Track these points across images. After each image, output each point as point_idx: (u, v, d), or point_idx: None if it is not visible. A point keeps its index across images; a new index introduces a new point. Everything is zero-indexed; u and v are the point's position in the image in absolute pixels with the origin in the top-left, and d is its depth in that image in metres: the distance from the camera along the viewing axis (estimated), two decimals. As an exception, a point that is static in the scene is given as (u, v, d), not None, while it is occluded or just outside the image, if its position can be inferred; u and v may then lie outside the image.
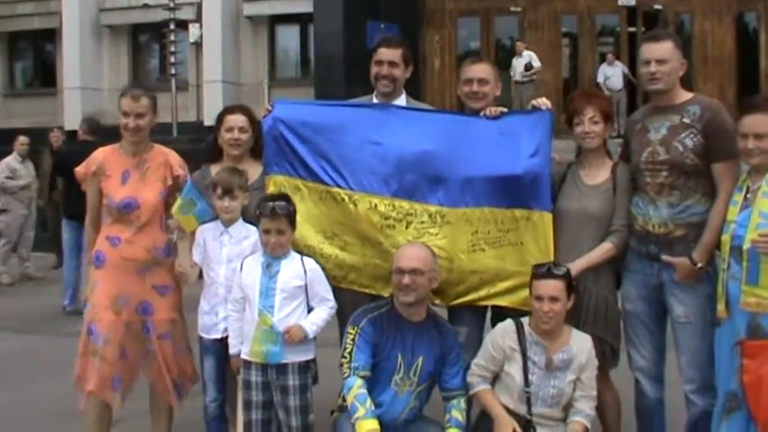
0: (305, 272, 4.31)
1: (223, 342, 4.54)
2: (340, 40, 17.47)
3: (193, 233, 4.67)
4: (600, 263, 4.41)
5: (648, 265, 4.38)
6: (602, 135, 4.50)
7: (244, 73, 20.73)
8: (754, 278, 3.82)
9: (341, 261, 4.64)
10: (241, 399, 4.39)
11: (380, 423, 4.07)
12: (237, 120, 4.79)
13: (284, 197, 4.39)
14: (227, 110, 4.93)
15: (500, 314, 4.56)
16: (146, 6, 20.33)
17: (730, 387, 3.96)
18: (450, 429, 4.26)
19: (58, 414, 4.71)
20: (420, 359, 4.27)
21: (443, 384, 4.36)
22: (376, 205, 4.58)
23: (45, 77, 22.58)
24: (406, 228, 4.55)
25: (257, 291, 4.27)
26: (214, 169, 4.78)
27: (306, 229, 4.57)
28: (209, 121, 17.68)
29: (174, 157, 4.84)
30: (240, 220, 4.57)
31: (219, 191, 4.49)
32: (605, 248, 4.41)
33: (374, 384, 4.20)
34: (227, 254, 4.54)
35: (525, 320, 4.28)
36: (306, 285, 4.30)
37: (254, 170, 4.80)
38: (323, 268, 4.43)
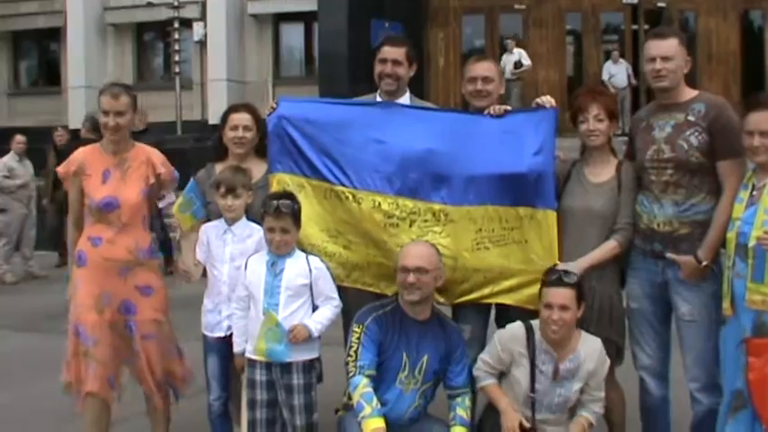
0: (310, 270, 4.30)
1: (227, 340, 4.54)
2: (344, 38, 17.48)
3: (197, 231, 4.66)
4: (604, 261, 4.40)
5: (653, 264, 4.36)
6: (606, 133, 4.48)
7: (248, 71, 20.76)
8: (760, 276, 3.81)
9: (345, 260, 4.64)
10: (245, 397, 4.38)
11: (386, 421, 4.06)
12: (242, 118, 4.78)
13: (289, 195, 4.38)
14: (232, 108, 4.93)
15: (504, 312, 4.57)
16: (150, 5, 20.37)
17: (736, 385, 3.95)
18: (454, 427, 4.25)
19: (60, 413, 4.71)
20: (425, 358, 4.27)
21: (448, 382, 4.36)
22: (380, 204, 4.57)
23: (49, 76, 22.66)
24: (410, 226, 4.54)
25: (262, 289, 4.26)
26: (219, 168, 4.78)
27: (310, 228, 4.56)
28: (213, 119, 17.71)
29: (156, 156, 4.80)
30: (244, 219, 4.56)
31: (222, 189, 4.49)
32: (610, 247, 4.40)
33: (379, 383, 4.19)
34: (231, 252, 4.53)
35: (536, 325, 4.23)
36: (311, 284, 4.30)
37: (258, 168, 4.80)
38: (326, 267, 4.42)
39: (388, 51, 4.89)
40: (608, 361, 4.25)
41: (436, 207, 4.55)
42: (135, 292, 4.62)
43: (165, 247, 11.84)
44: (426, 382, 4.30)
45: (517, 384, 4.24)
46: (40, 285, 11.34)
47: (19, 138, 11.78)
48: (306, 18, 20.22)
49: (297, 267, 4.29)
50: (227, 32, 19.95)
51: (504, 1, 20.10)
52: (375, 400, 4.07)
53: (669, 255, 4.26)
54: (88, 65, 20.56)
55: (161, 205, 11.74)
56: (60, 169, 4.73)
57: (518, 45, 18.52)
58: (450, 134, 4.61)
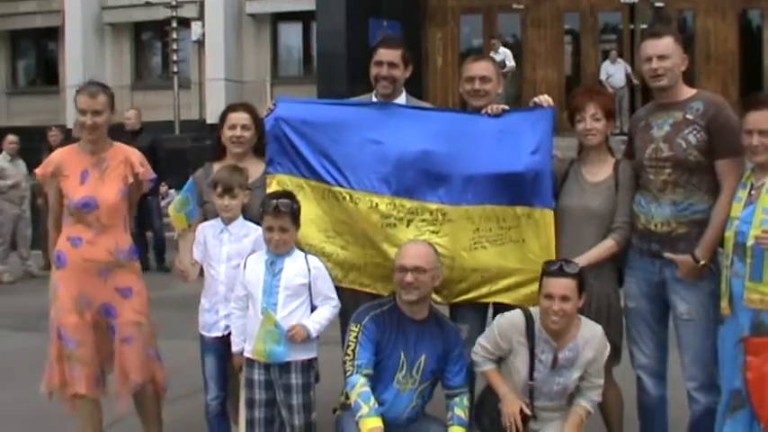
0: (309, 270, 4.29)
1: (224, 340, 4.54)
2: (342, 37, 17.46)
3: (194, 231, 4.66)
4: (602, 260, 4.40)
5: (650, 263, 4.37)
6: (603, 132, 4.49)
7: (246, 71, 20.76)
8: (758, 275, 3.81)
9: (342, 260, 4.65)
10: (244, 397, 4.38)
11: (383, 421, 4.06)
12: (240, 117, 4.78)
13: (288, 195, 4.37)
14: (230, 108, 4.92)
15: (502, 311, 4.56)
16: (148, 4, 20.36)
17: (734, 385, 3.95)
18: (452, 427, 4.25)
19: (60, 412, 4.70)
20: (422, 357, 4.26)
21: (446, 382, 4.35)
22: (377, 204, 4.58)
23: (47, 76, 22.65)
24: (408, 226, 4.55)
25: (261, 288, 4.26)
26: (216, 167, 4.77)
27: (307, 228, 4.56)
28: (211, 119, 17.71)
29: (135, 155, 4.73)
30: (240, 218, 4.56)
31: (219, 189, 4.48)
32: (607, 245, 4.40)
33: (377, 383, 4.19)
34: (228, 252, 4.53)
35: (536, 313, 4.22)
36: (309, 283, 4.29)
37: (256, 168, 4.80)
38: (325, 267, 4.42)
39: (384, 54, 4.88)
40: (608, 348, 4.23)
41: (433, 207, 4.56)
42: (115, 294, 4.59)
43: (160, 247, 11.93)
44: (424, 381, 4.30)
45: (516, 373, 4.24)
46: (39, 285, 11.28)
47: (11, 138, 11.78)
48: (304, 18, 20.21)
49: (296, 267, 4.28)
50: (225, 32, 19.94)
51: (503, 0, 20.09)
52: (372, 399, 4.07)
53: (667, 254, 4.26)
54: (86, 64, 20.52)
55: (163, 204, 11.78)
56: (38, 171, 4.70)
57: (505, 45, 18.41)
58: (448, 134, 4.62)
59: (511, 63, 17.89)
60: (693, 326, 4.26)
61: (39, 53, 23.39)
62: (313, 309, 4.32)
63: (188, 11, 19.94)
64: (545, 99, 4.65)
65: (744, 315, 3.90)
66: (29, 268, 11.83)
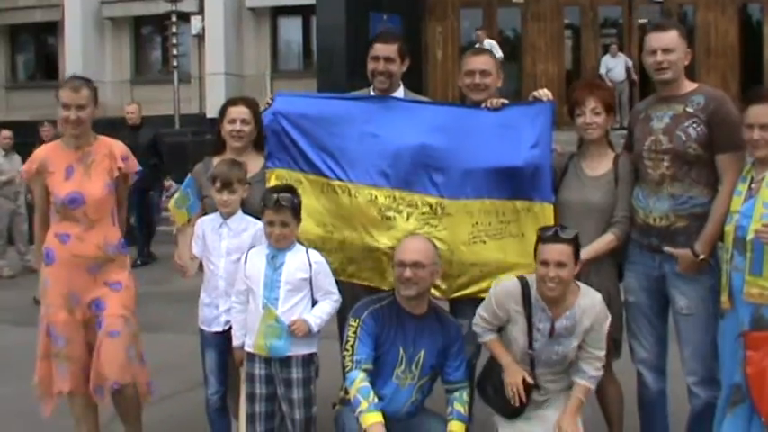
0: (310, 264, 4.29)
1: (224, 334, 4.54)
2: (342, 31, 17.43)
3: (193, 226, 4.66)
4: (601, 254, 4.40)
5: (650, 257, 4.37)
6: (603, 126, 4.49)
7: (246, 65, 20.74)
8: (758, 269, 3.80)
9: (341, 254, 4.65)
10: (244, 391, 4.38)
11: (384, 416, 4.05)
12: (240, 112, 4.77)
13: (289, 189, 4.36)
14: (230, 102, 4.91)
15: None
16: (147, -2, 20.33)
17: (734, 379, 3.95)
18: (452, 422, 4.23)
19: (60, 407, 4.70)
20: (422, 352, 4.26)
21: (446, 377, 4.35)
22: (376, 197, 4.57)
23: (47, 70, 22.62)
24: (407, 219, 4.54)
25: (262, 283, 4.26)
26: (216, 161, 4.76)
27: (306, 223, 4.55)
28: (211, 113, 17.70)
29: (119, 148, 4.68)
30: (239, 213, 4.55)
31: (218, 184, 4.47)
32: (607, 240, 4.40)
33: (376, 377, 4.19)
34: (227, 246, 4.52)
35: (532, 280, 4.17)
36: (311, 278, 4.28)
37: (255, 162, 4.80)
38: (326, 261, 4.41)
39: (380, 49, 4.86)
40: (608, 317, 4.17)
41: (433, 200, 4.55)
42: (105, 288, 4.55)
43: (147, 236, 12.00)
44: (423, 376, 4.29)
45: (515, 342, 4.21)
46: (38, 279, 11.33)
47: (5, 133, 11.78)
48: (304, 11, 20.19)
49: (297, 261, 4.28)
50: (224, 26, 19.92)
51: (503, -6, 20.10)
52: (372, 394, 4.06)
53: (666, 248, 4.26)
54: (86, 59, 20.50)
55: (164, 198, 11.79)
56: (23, 169, 4.67)
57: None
58: (447, 127, 4.61)
59: (499, 54, 17.77)
60: (693, 320, 4.26)
61: (38, 47, 23.35)
62: (314, 303, 4.32)
63: (188, 5, 19.89)
64: (544, 93, 4.64)
65: (744, 309, 3.89)
66: (27, 263, 11.82)
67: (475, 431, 4.63)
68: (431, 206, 4.55)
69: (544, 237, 4.06)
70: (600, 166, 4.51)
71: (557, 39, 20.01)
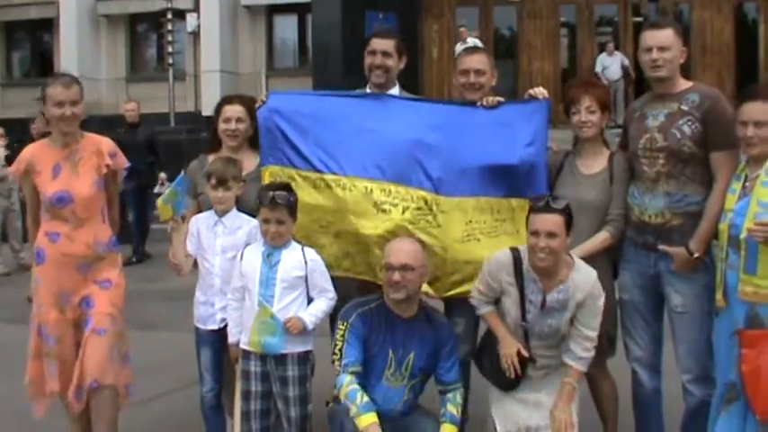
0: (305, 262, 4.29)
1: (220, 332, 4.53)
2: (338, 29, 17.43)
3: (188, 223, 4.65)
4: (596, 252, 4.40)
5: (645, 255, 4.37)
6: (598, 124, 4.49)
7: (242, 63, 20.73)
8: (752, 267, 3.80)
9: (336, 248, 4.62)
10: (239, 389, 4.38)
11: (378, 416, 4.04)
12: (235, 110, 4.77)
13: (285, 187, 4.35)
14: (226, 100, 4.92)
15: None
16: (142, -5, 20.32)
17: (729, 378, 3.95)
18: (444, 425, 4.21)
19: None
20: (411, 355, 4.22)
21: (438, 378, 4.33)
22: (372, 190, 4.54)
23: (42, 67, 22.54)
24: (403, 213, 4.50)
25: (257, 280, 4.26)
26: (211, 158, 4.75)
27: (300, 218, 4.54)
28: (206, 110, 17.66)
29: (107, 145, 4.61)
30: (234, 210, 4.55)
31: (213, 181, 4.47)
32: (602, 238, 4.40)
33: (367, 379, 4.17)
34: (222, 244, 4.52)
35: (525, 252, 4.12)
36: (306, 276, 4.28)
37: (251, 160, 4.79)
38: (317, 253, 4.40)
39: (378, 43, 4.88)
40: (602, 295, 4.13)
41: (428, 196, 4.53)
42: (94, 286, 4.52)
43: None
44: (414, 378, 4.27)
45: (508, 314, 4.19)
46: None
47: None
48: (299, 9, 20.19)
49: (292, 259, 4.28)
50: (220, 23, 19.90)
51: (498, -8, 20.10)
52: (359, 396, 4.03)
53: (661, 246, 4.26)
54: (81, 56, 20.49)
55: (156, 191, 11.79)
56: (11, 170, 4.64)
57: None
58: (443, 125, 4.61)
59: None
60: (688, 318, 4.27)
61: (33, 45, 23.31)
62: (309, 301, 4.31)
63: (183, 2, 19.89)
64: (540, 91, 4.65)
65: (738, 308, 3.89)
66: (21, 260, 11.80)
67: (472, 430, 4.64)
68: (426, 201, 4.52)
69: (535, 207, 4.02)
70: (595, 164, 4.51)
71: (552, 37, 20.02)
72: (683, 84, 4.35)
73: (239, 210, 4.55)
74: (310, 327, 4.24)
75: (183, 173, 4.77)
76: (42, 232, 4.51)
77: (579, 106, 4.45)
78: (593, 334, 4.13)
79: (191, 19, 20.11)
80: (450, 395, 4.29)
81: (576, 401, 4.18)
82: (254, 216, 4.40)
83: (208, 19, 19.85)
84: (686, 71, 4.49)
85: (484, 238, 4.52)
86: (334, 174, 4.60)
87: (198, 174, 4.76)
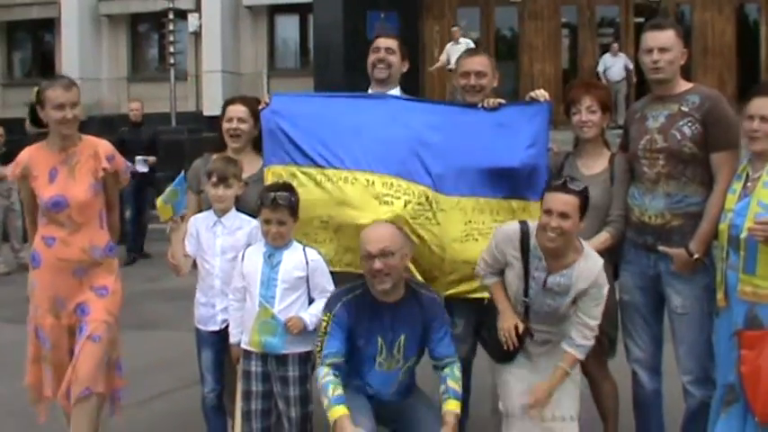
0: (306, 263, 4.28)
1: (221, 333, 4.53)
2: (339, 30, 17.45)
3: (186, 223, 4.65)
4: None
5: (645, 256, 4.37)
6: (599, 125, 4.49)
7: (243, 63, 20.73)
8: (751, 267, 3.81)
9: (337, 244, 4.59)
10: (240, 389, 4.38)
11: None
12: (237, 110, 4.77)
13: (287, 187, 4.34)
14: (230, 100, 4.92)
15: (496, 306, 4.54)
16: (144, -5, 20.33)
17: (728, 379, 3.95)
18: (447, 401, 4.08)
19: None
20: (402, 337, 4.14)
21: (432, 353, 4.22)
22: (374, 182, 4.50)
23: (43, 67, 22.56)
24: (405, 206, 4.45)
25: (258, 281, 4.25)
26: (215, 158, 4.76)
27: (302, 215, 4.52)
28: (208, 111, 17.71)
29: (104, 148, 4.55)
30: (233, 210, 4.55)
31: (214, 179, 4.47)
32: (602, 239, 4.40)
33: (360, 367, 4.15)
34: (222, 245, 4.52)
35: (533, 228, 4.04)
36: (307, 276, 4.28)
37: (254, 163, 4.79)
38: (318, 252, 4.39)
39: (382, 41, 4.95)
40: (606, 286, 4.06)
41: (429, 192, 4.52)
42: (90, 293, 4.48)
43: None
44: (408, 360, 4.20)
45: (510, 287, 4.15)
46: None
47: None
48: (301, 10, 20.21)
49: (294, 259, 4.27)
50: (221, 24, 19.91)
51: (500, -7, 20.11)
52: (332, 388, 3.95)
53: (661, 247, 4.26)
54: (82, 56, 20.52)
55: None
56: (8, 173, 4.59)
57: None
58: (444, 126, 4.61)
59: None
60: (688, 319, 4.27)
61: (35, 44, 23.33)
62: (311, 301, 4.31)
63: (185, 2, 19.90)
64: (541, 94, 4.65)
65: (738, 308, 3.90)
66: (22, 260, 11.80)
67: (474, 428, 4.64)
68: (427, 197, 4.50)
69: (552, 185, 3.94)
70: (596, 164, 4.51)
71: (554, 38, 20.03)
72: (684, 85, 4.36)
73: (241, 211, 4.55)
74: (311, 327, 4.23)
75: (183, 173, 4.76)
76: (39, 236, 4.49)
77: (580, 106, 4.46)
78: (594, 323, 4.05)
79: (192, 19, 20.12)
80: (447, 370, 4.17)
81: (576, 398, 4.17)
82: (255, 217, 4.39)
83: (209, 19, 19.86)
84: (687, 73, 4.50)
85: (482, 239, 4.50)
86: (336, 168, 4.57)
87: (201, 171, 4.76)
